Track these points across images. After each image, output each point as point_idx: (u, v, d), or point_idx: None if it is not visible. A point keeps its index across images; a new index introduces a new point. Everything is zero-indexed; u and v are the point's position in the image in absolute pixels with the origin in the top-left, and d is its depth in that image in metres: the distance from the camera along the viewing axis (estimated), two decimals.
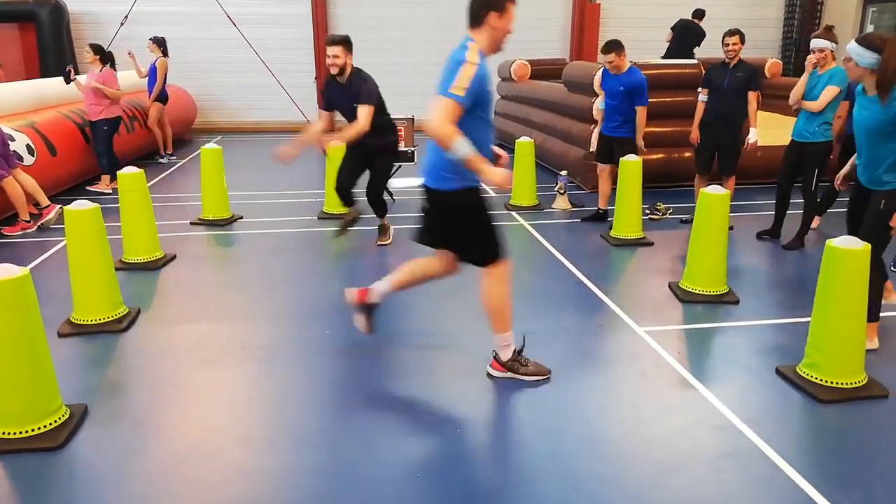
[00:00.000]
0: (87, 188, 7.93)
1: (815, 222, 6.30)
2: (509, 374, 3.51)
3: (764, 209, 6.74)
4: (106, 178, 7.94)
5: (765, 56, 11.88)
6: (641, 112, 6.12)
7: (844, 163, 5.68)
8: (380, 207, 5.73)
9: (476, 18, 3.12)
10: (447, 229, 3.37)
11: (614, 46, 6.01)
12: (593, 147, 6.98)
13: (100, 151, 7.86)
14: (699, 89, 6.30)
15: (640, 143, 6.25)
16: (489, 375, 3.54)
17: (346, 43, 5.23)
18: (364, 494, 2.63)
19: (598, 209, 6.63)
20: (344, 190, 5.58)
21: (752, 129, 6.05)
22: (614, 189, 6.19)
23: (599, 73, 6.93)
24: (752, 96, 6.01)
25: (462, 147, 2.95)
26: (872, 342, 3.97)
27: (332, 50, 5.21)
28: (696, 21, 11.32)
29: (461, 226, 3.30)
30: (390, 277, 3.61)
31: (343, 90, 5.35)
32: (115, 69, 8.10)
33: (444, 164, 3.16)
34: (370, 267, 5.41)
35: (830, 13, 14.11)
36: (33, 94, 8.01)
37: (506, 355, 3.49)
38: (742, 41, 6.00)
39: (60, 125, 7.71)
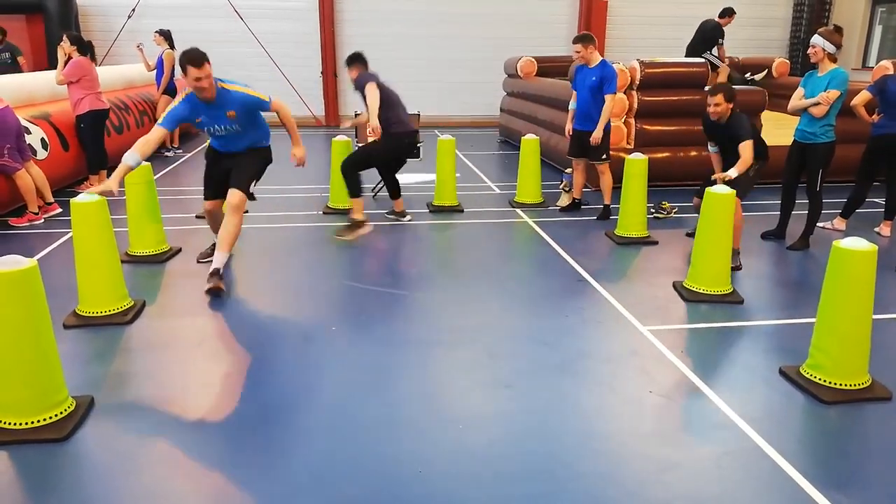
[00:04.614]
0: (77, 189, 7.44)
1: (842, 224, 6.29)
2: None
3: (769, 209, 6.72)
4: (94, 178, 7.48)
5: (772, 55, 11.86)
6: (610, 100, 6.32)
7: (873, 163, 5.69)
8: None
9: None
10: None
11: (583, 38, 6.36)
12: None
13: (84, 148, 7.40)
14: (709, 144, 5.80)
15: (599, 134, 6.37)
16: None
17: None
18: (366, 488, 2.64)
19: (575, 199, 6.98)
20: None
21: (732, 169, 5.12)
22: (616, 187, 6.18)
23: (573, 69, 6.99)
24: (746, 145, 5.14)
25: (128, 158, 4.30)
26: None
27: None
28: (717, 21, 10.54)
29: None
30: None
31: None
32: (94, 61, 7.52)
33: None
34: (374, 261, 5.43)
35: (839, 13, 14.05)
36: (48, 85, 7.71)
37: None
38: (727, 100, 5.19)
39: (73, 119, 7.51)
